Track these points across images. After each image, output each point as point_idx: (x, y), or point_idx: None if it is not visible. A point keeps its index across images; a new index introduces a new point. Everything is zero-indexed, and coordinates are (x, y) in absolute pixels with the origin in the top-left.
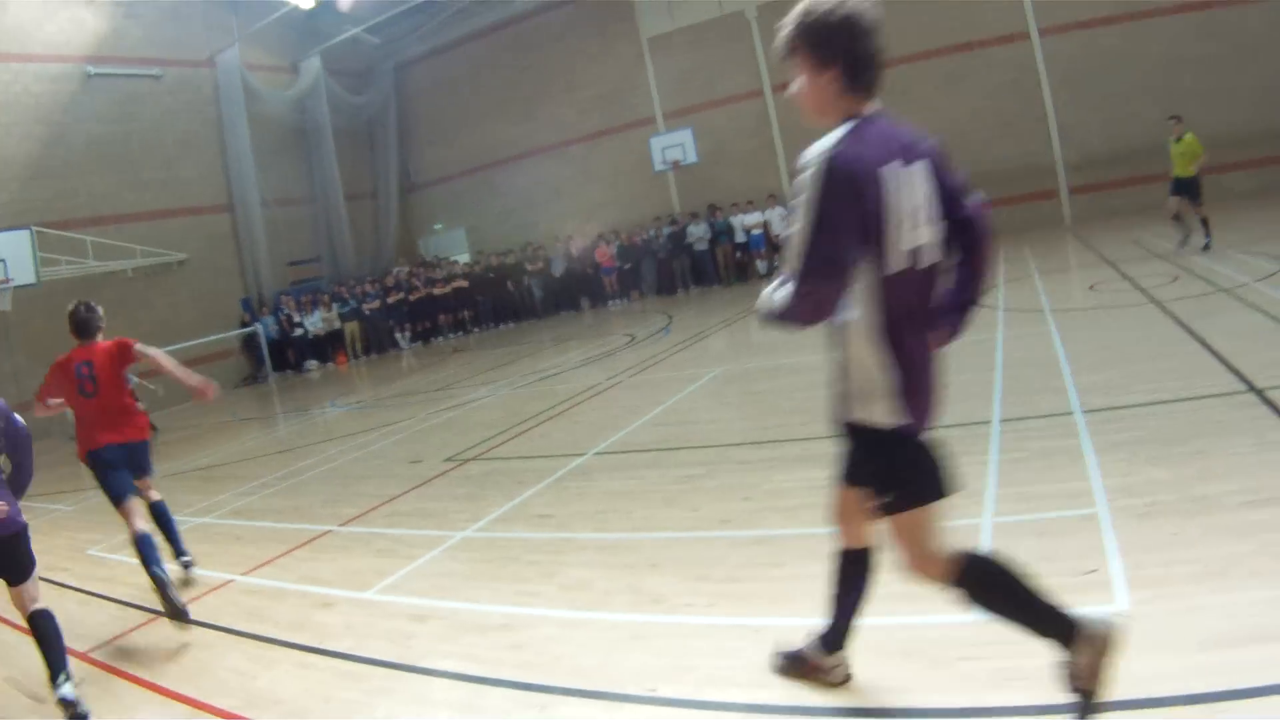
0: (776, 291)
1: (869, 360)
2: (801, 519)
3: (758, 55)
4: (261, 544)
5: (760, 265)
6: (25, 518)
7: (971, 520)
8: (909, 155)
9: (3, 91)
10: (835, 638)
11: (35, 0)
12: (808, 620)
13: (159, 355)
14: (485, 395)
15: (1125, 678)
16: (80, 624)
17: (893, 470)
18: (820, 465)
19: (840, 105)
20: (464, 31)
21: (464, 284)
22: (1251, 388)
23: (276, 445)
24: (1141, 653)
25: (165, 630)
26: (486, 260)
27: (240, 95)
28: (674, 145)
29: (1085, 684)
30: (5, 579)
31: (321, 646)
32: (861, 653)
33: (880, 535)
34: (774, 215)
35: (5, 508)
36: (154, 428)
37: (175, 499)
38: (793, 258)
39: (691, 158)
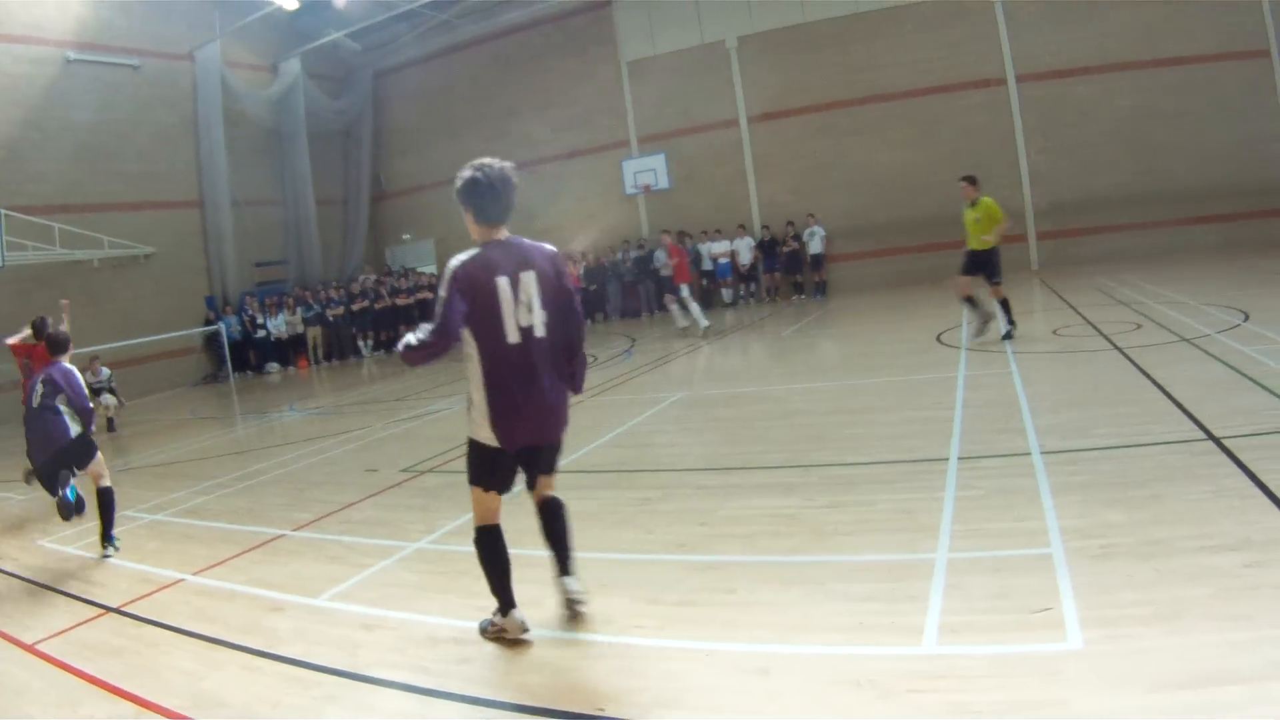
0: (413, 336)
1: (477, 396)
2: (757, 546)
3: (735, 85)
4: (214, 545)
5: (725, 294)
6: None
7: (927, 555)
8: (522, 267)
9: None
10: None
11: None
12: (758, 646)
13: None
14: (444, 408)
15: (1074, 714)
16: (29, 615)
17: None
18: (777, 494)
19: (478, 233)
20: (445, 44)
21: (429, 295)
22: (1210, 436)
23: (233, 446)
24: (1093, 692)
25: (114, 625)
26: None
27: (218, 92)
28: (646, 170)
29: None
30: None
31: (270, 651)
32: (813, 681)
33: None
34: (742, 245)
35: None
36: None
37: (129, 494)
38: (430, 322)
39: (663, 183)
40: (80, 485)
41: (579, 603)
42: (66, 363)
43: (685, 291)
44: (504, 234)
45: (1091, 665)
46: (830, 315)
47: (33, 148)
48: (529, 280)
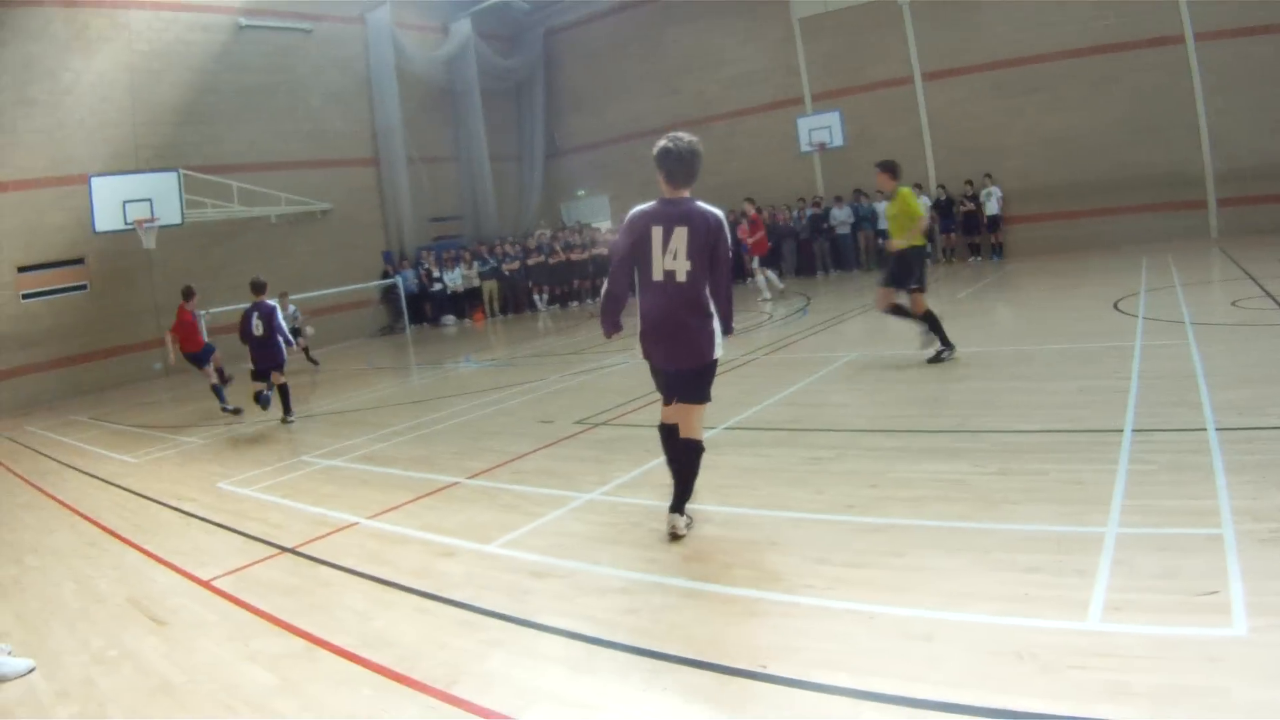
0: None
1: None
2: (925, 510)
3: (909, 42)
4: (389, 490)
5: None
6: None
7: (1096, 529)
8: (679, 222)
9: (156, 39)
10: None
11: None
12: (922, 611)
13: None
14: (619, 362)
15: (1234, 706)
16: (205, 553)
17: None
18: (947, 458)
19: (665, 190)
20: (613, 2)
21: (603, 251)
22: None
23: (409, 396)
24: (1255, 683)
25: (289, 565)
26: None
27: (390, 53)
28: (821, 127)
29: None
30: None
31: (440, 594)
32: (975, 650)
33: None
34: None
35: None
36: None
37: (307, 440)
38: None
39: (838, 141)
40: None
41: (678, 537)
42: (269, 301)
43: (756, 263)
44: (684, 194)
45: (1255, 654)
46: (1006, 278)
47: (209, 110)
48: (681, 234)
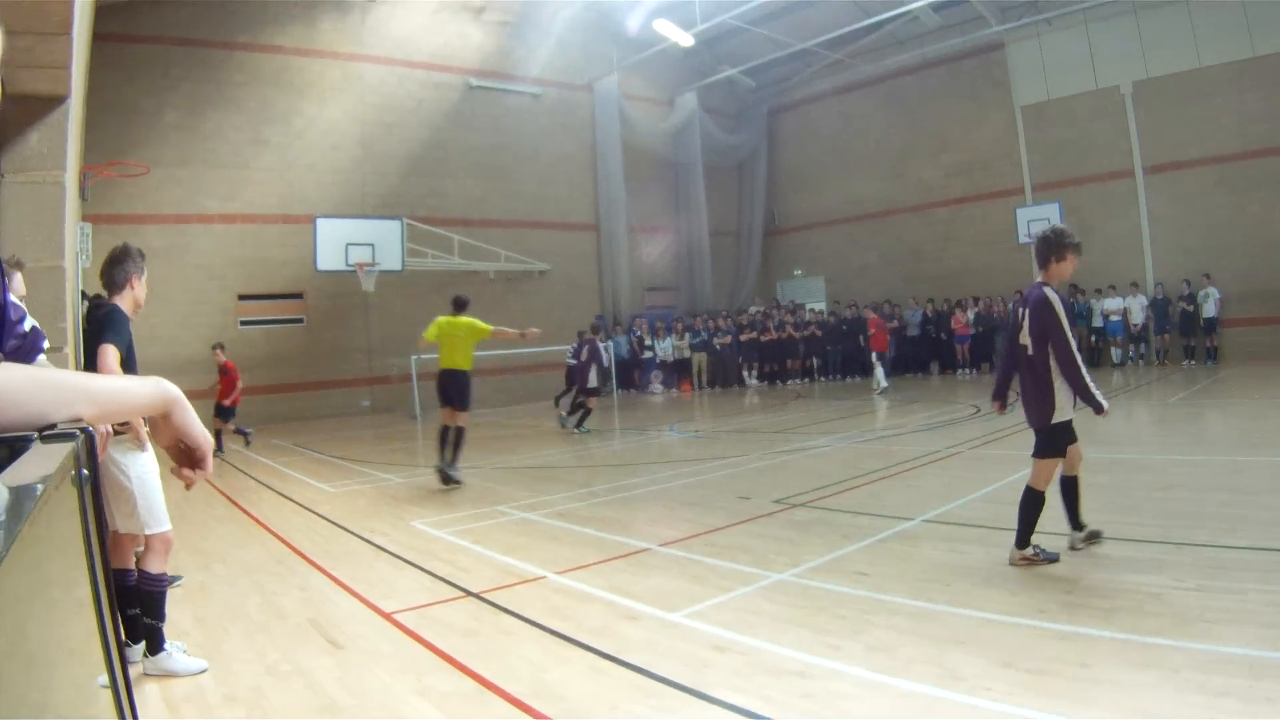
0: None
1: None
2: (1117, 622)
3: (1131, 133)
4: (580, 548)
5: (1115, 353)
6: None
7: None
8: (1024, 303)
9: (389, 93)
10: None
11: (425, 12)
12: None
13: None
14: (823, 444)
15: None
16: (390, 586)
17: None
18: (1146, 569)
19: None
20: (838, 83)
21: (817, 332)
22: None
23: (611, 458)
24: None
25: (471, 609)
26: (842, 311)
27: (616, 122)
28: (1040, 219)
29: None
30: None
31: (618, 655)
32: None
33: None
34: (1134, 304)
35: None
36: None
37: (505, 491)
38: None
39: None
40: None
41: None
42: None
43: (874, 357)
44: (1038, 277)
45: None
46: (1220, 384)
47: (437, 164)
48: (1024, 313)
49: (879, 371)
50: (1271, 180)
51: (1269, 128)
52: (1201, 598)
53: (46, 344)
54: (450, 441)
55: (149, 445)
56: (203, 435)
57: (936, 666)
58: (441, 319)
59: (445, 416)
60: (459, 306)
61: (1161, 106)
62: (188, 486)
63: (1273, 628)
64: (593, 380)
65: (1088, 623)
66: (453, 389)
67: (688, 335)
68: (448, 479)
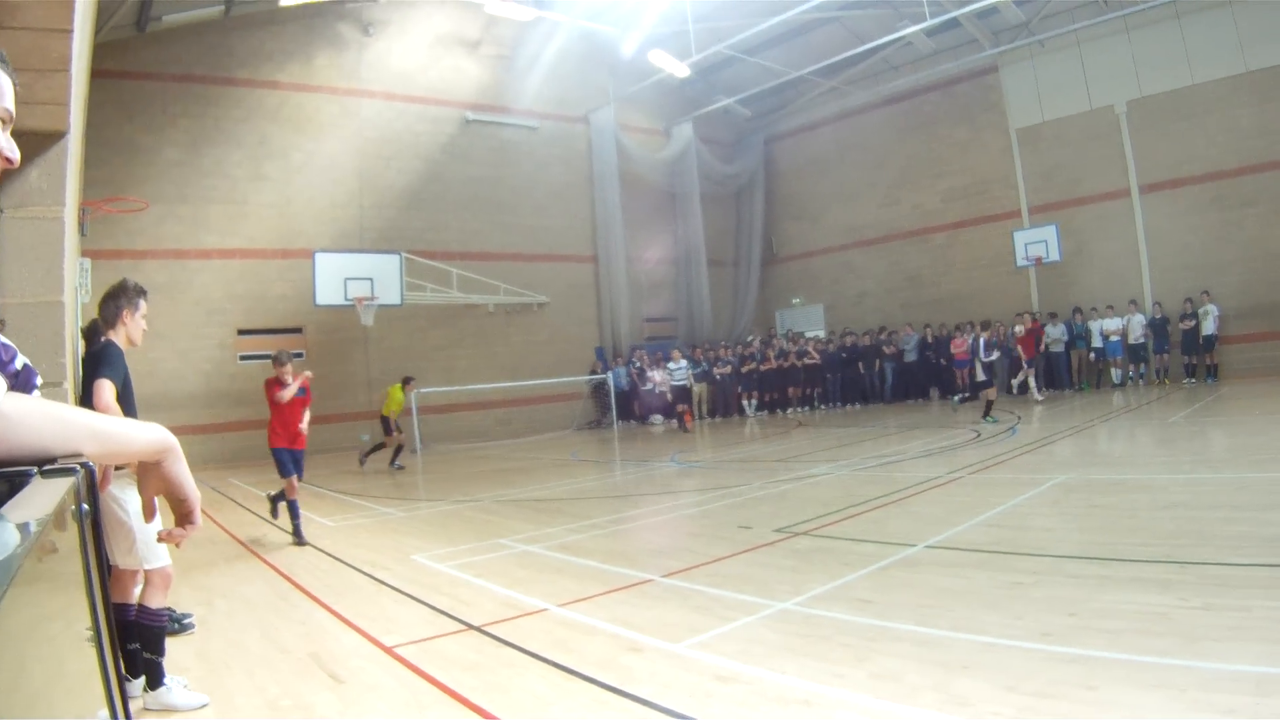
0: None
1: None
2: (1123, 643)
3: (1126, 152)
4: (582, 580)
5: (1115, 373)
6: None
7: None
8: None
9: (386, 127)
10: None
11: (421, 47)
12: None
13: None
14: (824, 472)
15: None
16: (392, 620)
17: None
18: (1151, 589)
19: None
20: (833, 111)
21: (816, 360)
22: None
23: (612, 490)
24: None
25: (473, 642)
26: (840, 340)
27: (612, 153)
28: (1037, 241)
29: None
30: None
31: (622, 688)
32: None
33: None
34: (1134, 322)
35: None
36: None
37: (507, 524)
38: None
39: (1054, 256)
40: None
41: None
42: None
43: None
44: None
45: None
46: (1221, 401)
47: (434, 198)
48: None
49: (1031, 380)
50: (1267, 195)
51: (1263, 143)
52: (1207, 616)
53: (40, 380)
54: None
55: None
56: (192, 488)
57: (942, 693)
58: None
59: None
60: None
61: (1156, 124)
62: (177, 545)
63: (1278, 644)
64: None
65: (1093, 644)
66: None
67: (688, 365)
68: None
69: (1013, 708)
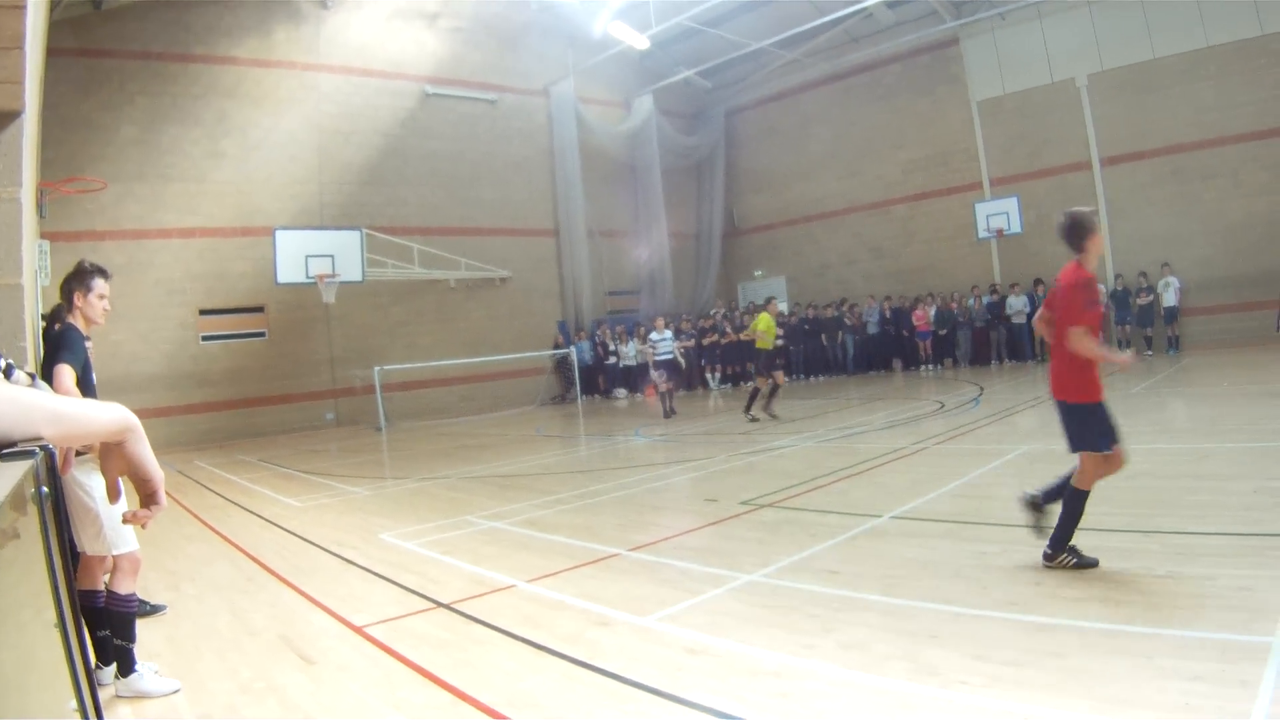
0: None
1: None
2: (1089, 612)
3: (1087, 125)
4: (549, 556)
5: None
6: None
7: (1262, 638)
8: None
9: (345, 102)
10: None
11: (380, 20)
12: (1080, 715)
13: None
14: (788, 444)
15: None
16: (361, 599)
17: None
18: (1115, 558)
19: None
20: (794, 83)
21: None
22: None
23: (576, 465)
24: None
25: (443, 620)
26: (803, 312)
27: (573, 126)
28: (999, 213)
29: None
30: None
31: (592, 662)
32: None
33: None
34: None
35: None
36: None
37: (473, 501)
38: None
39: (1015, 228)
40: None
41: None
42: None
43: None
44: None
45: None
46: (1183, 373)
47: (394, 173)
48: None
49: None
50: (1226, 169)
51: (1223, 116)
52: (1172, 584)
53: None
54: None
55: None
56: (155, 468)
57: (911, 662)
58: None
59: None
60: None
61: (1116, 98)
62: (142, 526)
63: (1242, 611)
64: None
65: (1060, 613)
66: None
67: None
68: None
69: (981, 676)
